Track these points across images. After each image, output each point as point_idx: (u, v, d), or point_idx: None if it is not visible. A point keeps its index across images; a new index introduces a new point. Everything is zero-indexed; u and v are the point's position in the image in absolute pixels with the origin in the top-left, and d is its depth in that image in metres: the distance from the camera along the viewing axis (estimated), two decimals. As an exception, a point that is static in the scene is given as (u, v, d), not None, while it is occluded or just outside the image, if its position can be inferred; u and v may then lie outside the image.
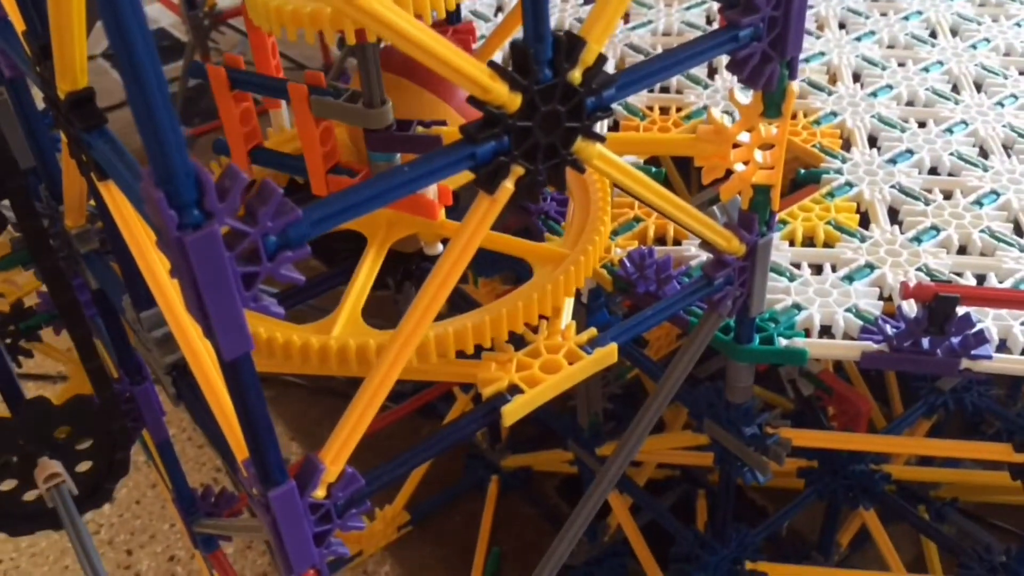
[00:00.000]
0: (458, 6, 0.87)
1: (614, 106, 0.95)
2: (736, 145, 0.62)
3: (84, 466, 0.81)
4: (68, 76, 0.50)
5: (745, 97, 0.60)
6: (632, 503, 1.03)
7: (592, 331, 0.61)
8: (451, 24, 0.86)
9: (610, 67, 1.02)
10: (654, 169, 0.89)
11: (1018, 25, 1.08)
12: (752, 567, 0.89)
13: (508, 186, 0.49)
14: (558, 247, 0.66)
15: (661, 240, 0.82)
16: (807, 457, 0.97)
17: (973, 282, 0.75)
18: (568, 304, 0.64)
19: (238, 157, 0.71)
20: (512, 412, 0.57)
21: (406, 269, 0.71)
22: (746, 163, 0.62)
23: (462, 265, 0.49)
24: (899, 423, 0.97)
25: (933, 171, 0.88)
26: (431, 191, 0.61)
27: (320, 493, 0.50)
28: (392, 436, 1.10)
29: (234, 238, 0.39)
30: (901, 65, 1.02)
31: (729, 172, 0.63)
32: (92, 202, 0.68)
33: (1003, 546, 0.89)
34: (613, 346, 0.60)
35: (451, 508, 1.24)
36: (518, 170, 0.48)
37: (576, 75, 0.48)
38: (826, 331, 0.72)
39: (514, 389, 0.58)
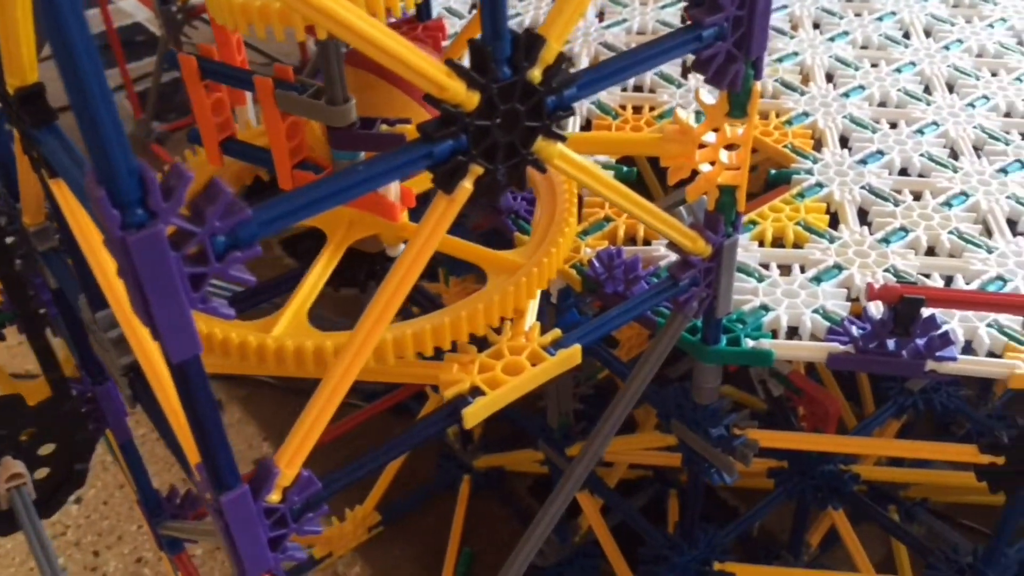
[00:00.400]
0: (428, 3, 0.86)
1: (587, 105, 0.96)
2: (702, 145, 0.61)
3: (42, 473, 0.79)
4: (16, 71, 0.49)
5: (711, 97, 0.60)
6: (603, 504, 1.02)
7: (556, 332, 0.61)
8: (421, 21, 0.85)
9: (585, 66, 1.02)
10: (625, 169, 0.89)
11: (991, 26, 1.08)
12: (720, 567, 0.89)
13: (467, 186, 0.48)
14: (515, 255, 0.65)
15: (633, 240, 0.81)
16: (777, 457, 0.97)
17: (941, 283, 0.75)
18: (533, 305, 0.63)
19: (210, 147, 0.70)
20: (473, 414, 0.56)
21: (370, 269, 0.70)
22: (712, 163, 0.61)
23: (419, 266, 0.48)
24: (868, 424, 0.97)
25: (903, 172, 0.88)
26: (392, 192, 0.60)
27: (275, 497, 0.49)
28: (363, 435, 1.09)
29: (182, 238, 0.39)
30: (874, 66, 1.02)
31: (695, 172, 0.63)
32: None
33: (971, 546, 0.89)
34: (577, 347, 0.60)
35: (423, 508, 1.23)
36: (477, 170, 0.48)
37: (536, 74, 0.47)
38: (793, 332, 0.72)
39: (476, 391, 0.57)
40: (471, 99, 0.45)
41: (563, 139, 0.50)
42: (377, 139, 0.61)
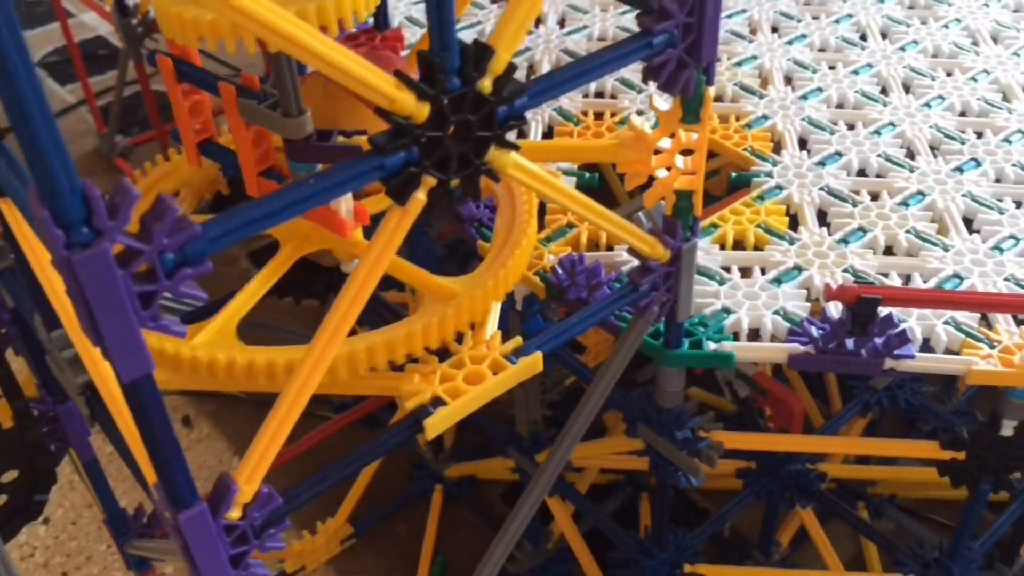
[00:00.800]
0: (385, 13, 0.86)
1: (549, 112, 0.97)
2: (658, 151, 0.62)
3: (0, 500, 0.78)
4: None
5: (665, 103, 0.60)
6: (575, 509, 1.02)
7: (517, 340, 0.61)
8: (379, 31, 0.85)
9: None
10: (587, 175, 0.89)
11: (946, 27, 1.10)
12: (691, 570, 0.89)
13: (420, 197, 0.48)
14: (453, 284, 0.64)
15: (596, 246, 0.82)
16: (745, 458, 0.98)
17: (899, 282, 0.76)
18: (494, 314, 0.63)
19: (189, 149, 0.70)
20: (434, 425, 0.56)
21: (330, 281, 0.70)
22: (668, 169, 0.62)
23: (374, 280, 0.48)
24: (834, 422, 0.98)
25: (861, 173, 0.89)
26: (343, 208, 0.60)
27: (235, 514, 0.49)
28: (335, 447, 1.08)
29: (129, 256, 0.38)
30: (831, 68, 1.03)
31: (652, 178, 0.63)
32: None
33: (937, 541, 0.90)
34: (538, 355, 0.60)
35: (395, 519, 1.23)
36: (430, 181, 0.48)
37: (486, 84, 0.47)
38: (755, 334, 0.73)
39: (437, 401, 0.57)
40: (421, 110, 0.45)
41: (516, 148, 0.50)
42: (332, 151, 0.61)
